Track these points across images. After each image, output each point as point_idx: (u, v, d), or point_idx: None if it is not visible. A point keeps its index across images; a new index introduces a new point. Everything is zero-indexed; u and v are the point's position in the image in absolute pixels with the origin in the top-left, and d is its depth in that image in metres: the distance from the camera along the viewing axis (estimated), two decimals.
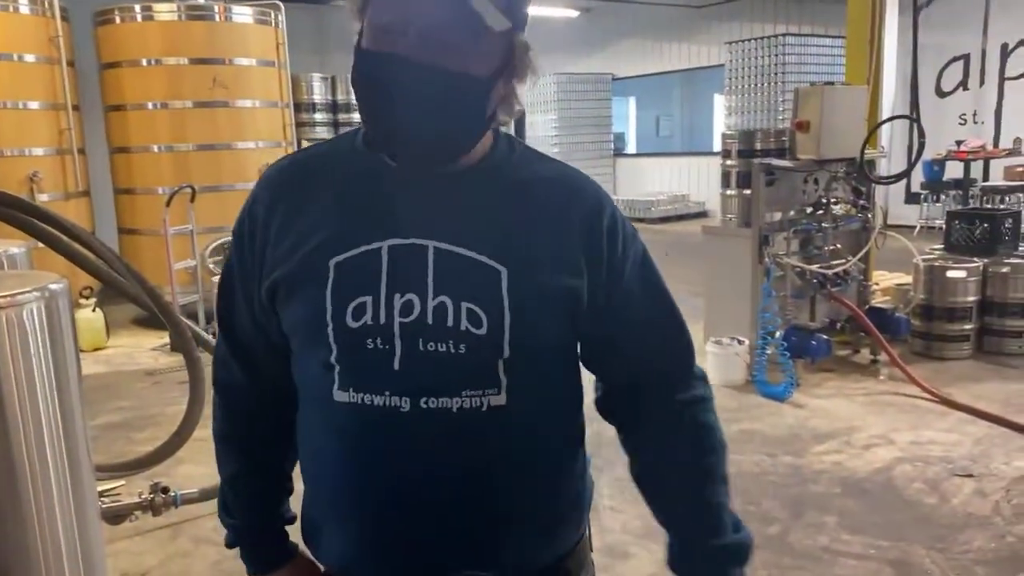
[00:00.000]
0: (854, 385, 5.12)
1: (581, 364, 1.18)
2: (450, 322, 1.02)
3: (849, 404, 4.79)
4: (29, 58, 6.72)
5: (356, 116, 7.71)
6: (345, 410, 1.05)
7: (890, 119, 6.05)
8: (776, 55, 11.43)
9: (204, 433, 4.13)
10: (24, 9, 6.73)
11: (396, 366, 1.03)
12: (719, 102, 13.79)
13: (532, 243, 1.07)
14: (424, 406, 1.03)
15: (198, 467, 3.55)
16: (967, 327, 5.52)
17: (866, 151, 5.20)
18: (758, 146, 5.53)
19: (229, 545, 1.29)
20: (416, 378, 1.03)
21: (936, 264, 5.63)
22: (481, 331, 1.02)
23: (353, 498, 1.10)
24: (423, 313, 1.02)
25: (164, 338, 6.36)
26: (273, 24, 7.53)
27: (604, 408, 1.22)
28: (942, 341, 5.56)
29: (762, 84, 11.67)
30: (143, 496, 3.01)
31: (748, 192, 5.29)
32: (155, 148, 7.16)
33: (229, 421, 1.27)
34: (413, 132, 1.01)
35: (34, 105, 6.78)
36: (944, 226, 6.28)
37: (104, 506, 2.80)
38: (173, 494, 3.07)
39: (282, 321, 1.10)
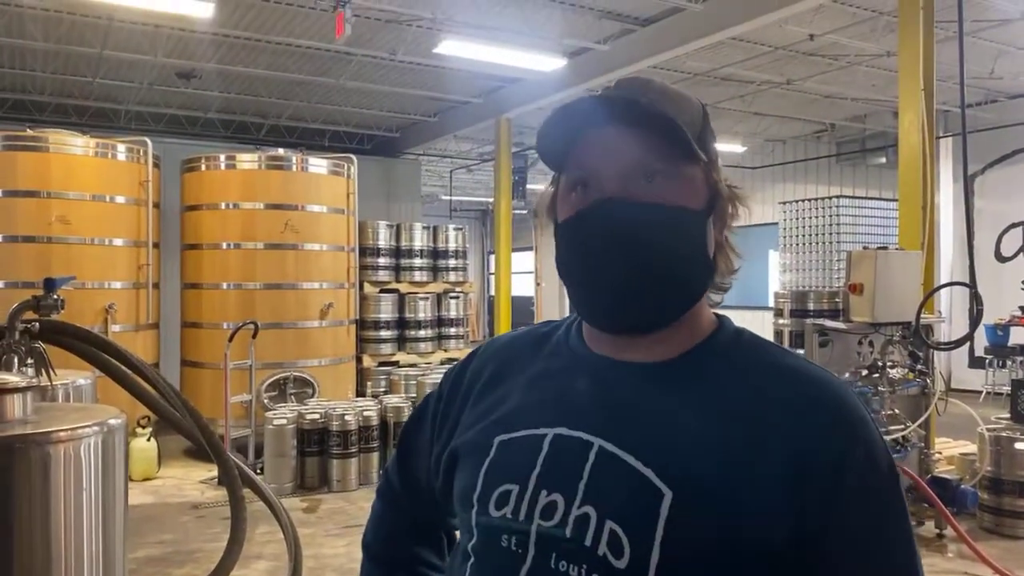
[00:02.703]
0: None
1: None
2: (588, 541, 0.85)
3: None
4: (119, 199, 7.27)
5: (416, 262, 7.78)
6: None
7: (944, 286, 6.03)
8: (830, 216, 11.56)
9: (241, 572, 4.08)
10: (121, 156, 7.36)
11: None
12: (774, 258, 13.87)
13: (726, 472, 0.84)
14: None
15: None
16: None
17: (922, 316, 5.15)
18: (811, 306, 5.54)
19: None
20: None
21: (1003, 435, 5.39)
22: (620, 563, 0.83)
23: None
24: (563, 521, 0.87)
25: (213, 470, 6.41)
26: (345, 175, 8.04)
27: None
28: (1014, 518, 5.24)
29: (816, 243, 11.73)
30: None
31: (802, 352, 5.25)
32: (224, 285, 7.54)
33: (379, 533, 1.21)
34: (619, 274, 0.89)
35: (118, 242, 7.26)
36: (1011, 394, 6.06)
37: None
38: None
39: (454, 491, 1.02)
